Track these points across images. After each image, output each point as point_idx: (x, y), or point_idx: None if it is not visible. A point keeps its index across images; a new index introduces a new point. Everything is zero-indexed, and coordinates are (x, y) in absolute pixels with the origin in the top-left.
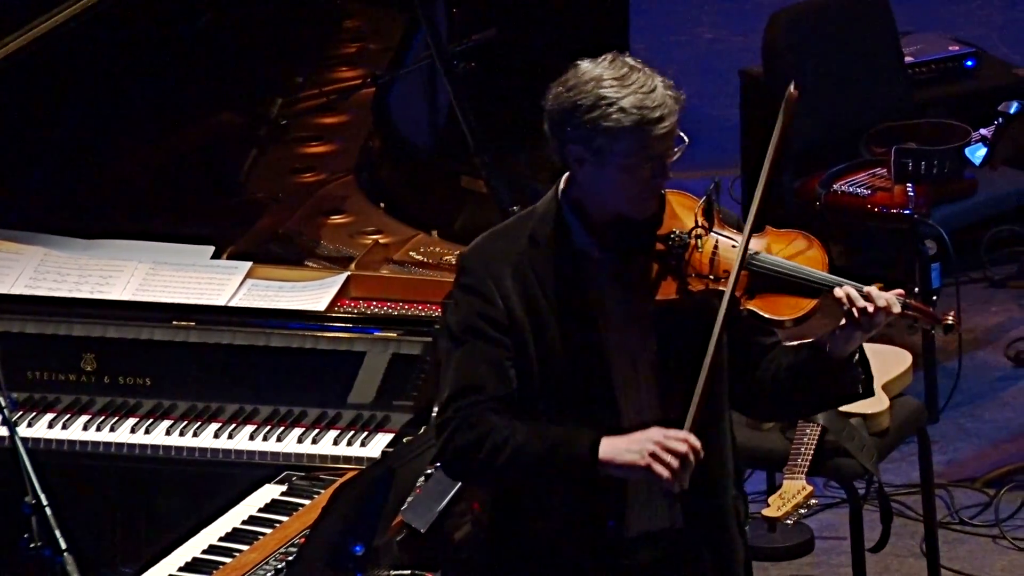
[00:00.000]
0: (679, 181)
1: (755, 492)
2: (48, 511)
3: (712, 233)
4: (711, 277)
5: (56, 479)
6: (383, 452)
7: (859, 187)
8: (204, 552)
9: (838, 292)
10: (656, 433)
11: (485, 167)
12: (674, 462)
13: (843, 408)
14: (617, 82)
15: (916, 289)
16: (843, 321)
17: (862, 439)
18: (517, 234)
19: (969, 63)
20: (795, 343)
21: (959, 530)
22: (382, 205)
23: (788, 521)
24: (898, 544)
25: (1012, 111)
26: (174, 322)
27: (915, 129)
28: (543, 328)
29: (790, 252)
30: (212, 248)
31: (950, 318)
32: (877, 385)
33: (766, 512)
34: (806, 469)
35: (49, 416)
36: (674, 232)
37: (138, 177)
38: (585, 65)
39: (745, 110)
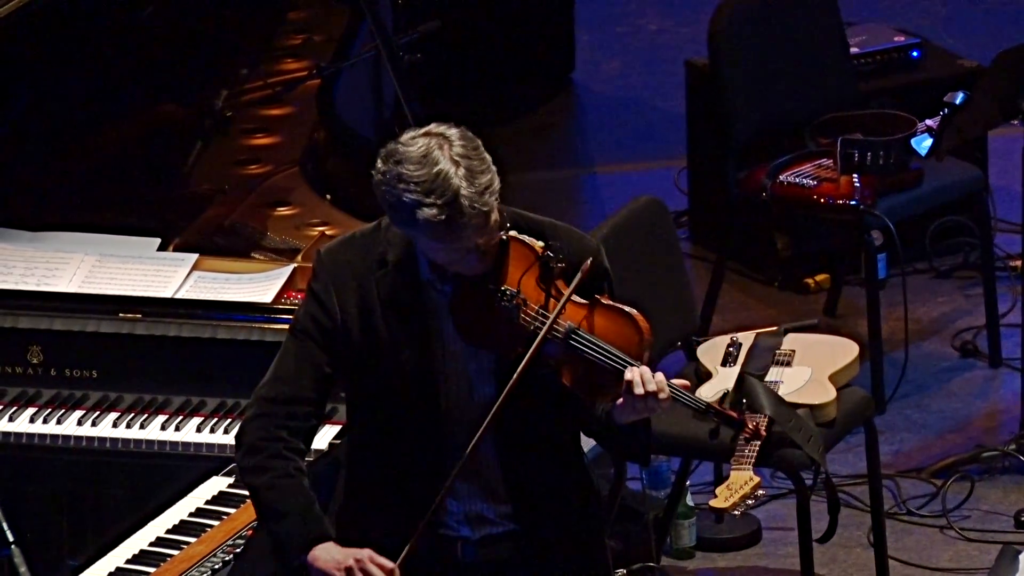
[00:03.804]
0: (629, 174)
1: (702, 483)
2: None
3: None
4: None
5: (2, 472)
6: (330, 443)
7: (805, 178)
8: (151, 544)
9: (627, 374)
10: (366, 554)
11: None
12: None
13: (790, 399)
14: (419, 188)
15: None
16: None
17: (809, 429)
18: (369, 250)
19: (914, 54)
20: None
21: (906, 520)
22: (328, 197)
23: (735, 512)
24: (845, 535)
25: (957, 101)
26: (120, 314)
27: (861, 120)
28: (378, 350)
29: (608, 328)
30: (158, 240)
31: (756, 423)
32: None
33: (713, 503)
34: (753, 460)
35: None
36: (507, 290)
37: (84, 169)
38: (401, 149)
39: (691, 101)
